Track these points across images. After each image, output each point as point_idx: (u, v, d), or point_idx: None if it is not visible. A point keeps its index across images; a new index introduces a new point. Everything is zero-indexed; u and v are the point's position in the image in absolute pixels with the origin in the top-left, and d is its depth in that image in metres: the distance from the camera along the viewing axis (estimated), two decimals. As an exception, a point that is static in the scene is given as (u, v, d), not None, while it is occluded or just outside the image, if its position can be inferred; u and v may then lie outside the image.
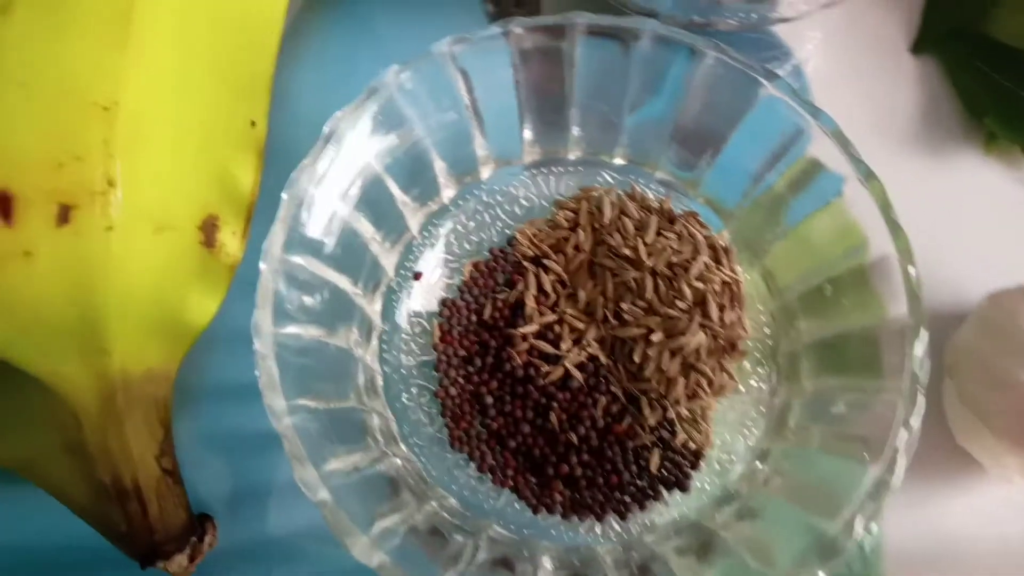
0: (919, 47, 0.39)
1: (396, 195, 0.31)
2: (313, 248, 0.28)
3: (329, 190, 0.28)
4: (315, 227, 0.28)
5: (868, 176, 0.27)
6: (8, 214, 0.24)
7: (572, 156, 0.34)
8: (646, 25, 0.29)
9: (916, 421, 0.25)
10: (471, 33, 0.29)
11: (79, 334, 0.25)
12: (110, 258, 0.25)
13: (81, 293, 0.25)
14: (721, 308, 0.31)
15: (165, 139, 0.27)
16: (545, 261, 0.33)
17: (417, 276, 0.34)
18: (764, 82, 0.29)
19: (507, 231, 0.34)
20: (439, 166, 0.32)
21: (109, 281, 0.25)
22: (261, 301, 0.25)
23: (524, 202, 0.35)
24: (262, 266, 0.26)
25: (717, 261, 0.32)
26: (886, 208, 0.27)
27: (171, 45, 0.28)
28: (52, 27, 0.25)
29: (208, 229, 0.28)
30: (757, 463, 0.30)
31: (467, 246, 0.34)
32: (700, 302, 0.31)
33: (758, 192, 0.31)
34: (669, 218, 0.33)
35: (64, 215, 0.25)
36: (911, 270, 0.26)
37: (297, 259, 0.27)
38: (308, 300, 0.27)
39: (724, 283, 0.32)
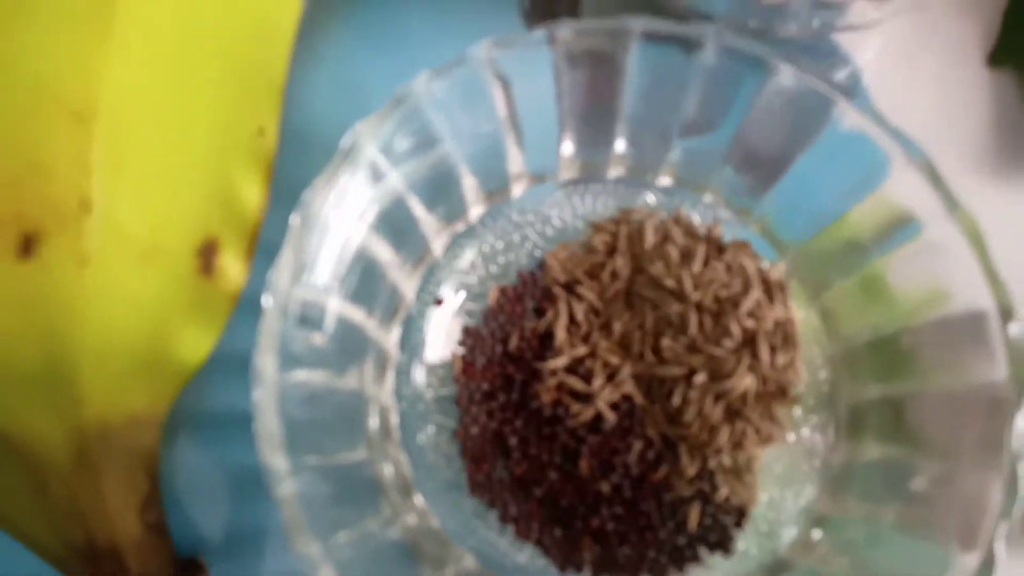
0: (997, 58, 0.36)
1: (419, 216, 0.28)
2: (325, 279, 0.24)
3: (345, 212, 0.24)
4: (328, 254, 0.24)
5: (962, 217, 0.24)
6: (-43, 245, 0.20)
7: (613, 174, 0.31)
8: (711, 33, 0.25)
9: (1019, 509, 0.22)
10: (512, 36, 0.25)
11: (46, 385, 0.22)
12: (84, 296, 0.21)
13: (48, 339, 0.21)
14: (772, 349, 0.28)
15: (157, 149, 0.23)
16: (578, 288, 0.30)
17: (439, 302, 0.30)
18: (841, 102, 0.25)
19: (537, 254, 0.31)
20: (468, 183, 0.29)
21: (83, 323, 0.21)
22: (264, 344, 0.22)
23: (557, 223, 0.31)
24: (266, 303, 0.22)
25: (770, 297, 0.29)
26: (984, 257, 0.23)
27: (166, 38, 0.23)
28: (15, 14, 0.21)
29: (206, 254, 0.24)
30: (814, 532, 0.27)
31: (494, 269, 0.31)
32: (749, 342, 0.28)
33: (824, 223, 0.28)
34: (718, 247, 0.30)
35: (27, 246, 0.20)
36: (1014, 329, 0.23)
37: (307, 292, 0.23)
38: (318, 339, 0.24)
39: (777, 323, 0.29)
